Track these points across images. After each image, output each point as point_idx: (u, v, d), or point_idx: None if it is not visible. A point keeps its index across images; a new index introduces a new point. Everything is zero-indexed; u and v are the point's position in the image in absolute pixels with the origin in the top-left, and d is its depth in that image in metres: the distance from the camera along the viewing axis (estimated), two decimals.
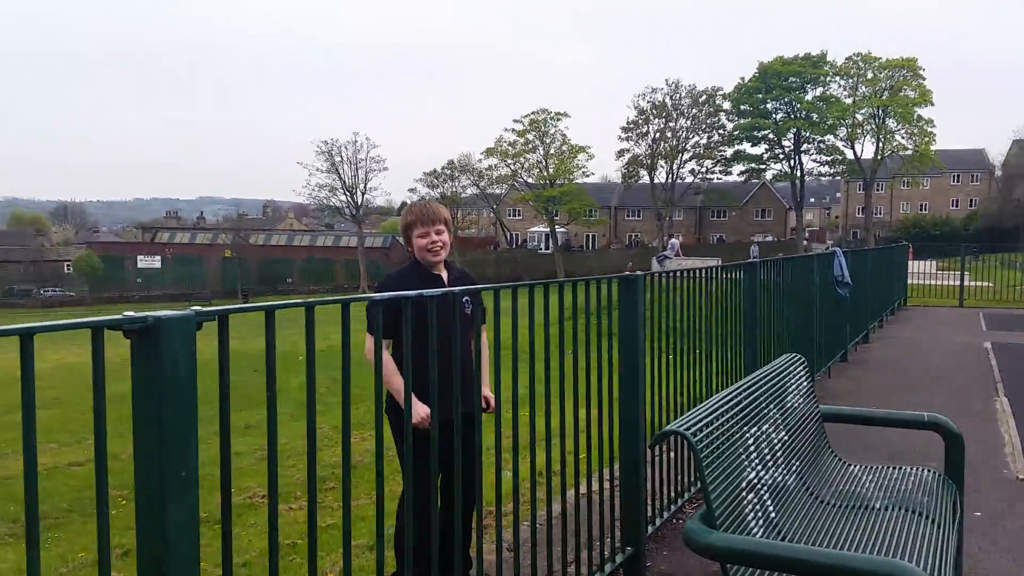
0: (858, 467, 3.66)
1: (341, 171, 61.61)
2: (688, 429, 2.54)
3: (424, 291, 2.30)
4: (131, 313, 1.52)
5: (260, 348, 1.87)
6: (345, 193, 62.13)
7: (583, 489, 3.49)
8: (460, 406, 2.48)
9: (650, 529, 3.72)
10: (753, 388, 3.22)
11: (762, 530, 2.68)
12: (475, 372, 2.81)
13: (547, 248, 67.75)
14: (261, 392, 1.89)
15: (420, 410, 2.83)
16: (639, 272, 3.60)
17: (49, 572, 5.73)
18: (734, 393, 3.06)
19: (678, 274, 4.24)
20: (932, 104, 54.99)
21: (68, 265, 69.33)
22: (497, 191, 69.27)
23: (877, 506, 3.15)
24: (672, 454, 4.17)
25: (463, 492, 2.63)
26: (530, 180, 63.72)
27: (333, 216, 69.99)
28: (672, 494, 4.12)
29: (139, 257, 65.87)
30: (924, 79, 55.36)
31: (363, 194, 62.76)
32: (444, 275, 3.36)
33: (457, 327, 2.48)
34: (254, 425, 9.55)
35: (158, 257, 65.73)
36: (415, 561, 2.26)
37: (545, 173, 61.87)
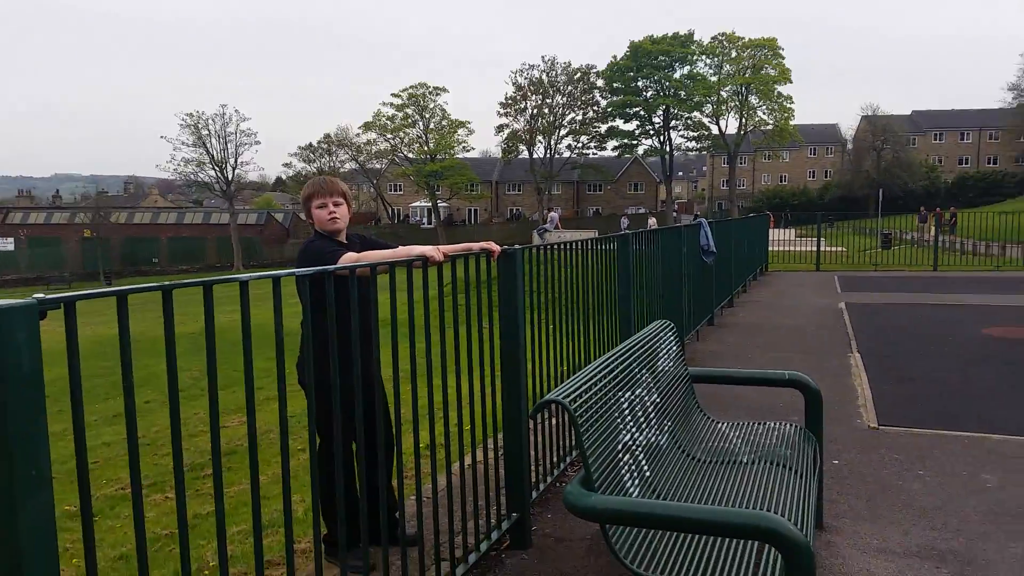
0: (726, 424, 3.86)
1: (209, 145, 58.73)
2: (566, 397, 2.59)
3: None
4: None
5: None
6: (214, 168, 59.32)
7: (468, 460, 3.51)
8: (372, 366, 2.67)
9: (534, 495, 3.80)
10: (627, 355, 3.32)
11: (638, 489, 2.78)
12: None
13: (429, 223, 67.32)
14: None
15: (431, 252, 2.96)
16: (517, 246, 3.62)
17: None
18: (609, 360, 3.15)
19: (557, 246, 4.30)
20: (791, 82, 58.50)
21: None
22: (377, 166, 68.09)
23: (744, 460, 3.34)
24: (554, 420, 4.26)
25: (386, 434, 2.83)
26: (410, 155, 63.02)
27: (201, 192, 66.67)
28: (555, 459, 4.22)
29: None
30: (783, 58, 58.67)
31: (234, 169, 60.11)
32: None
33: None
34: (123, 413, 9.04)
35: (11, 239, 60.59)
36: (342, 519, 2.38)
37: (426, 148, 61.37)
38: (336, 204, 3.40)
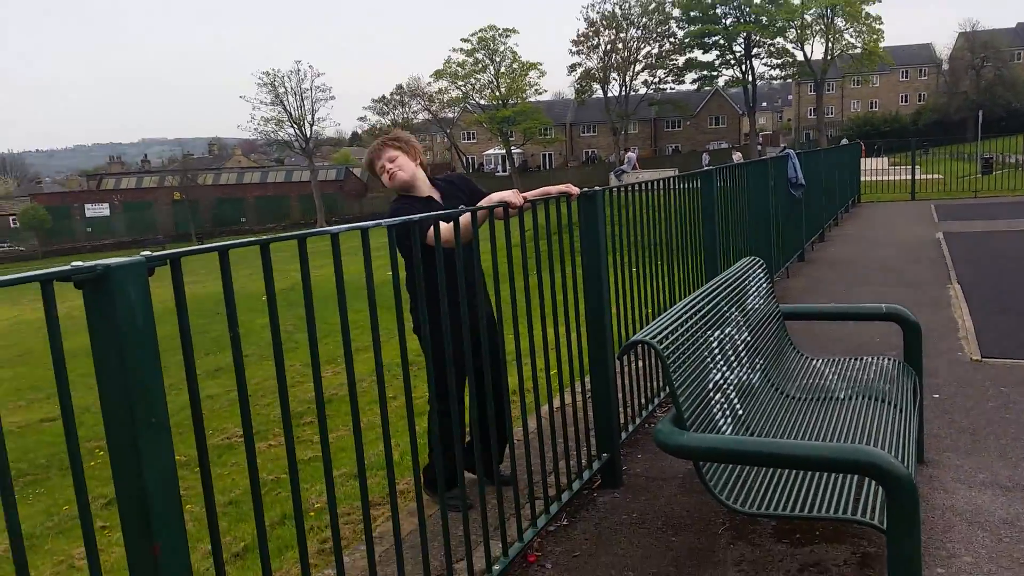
0: (820, 361, 3.77)
1: (286, 103, 59.95)
2: (654, 337, 2.57)
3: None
4: (80, 263, 1.47)
5: (221, 290, 1.83)
6: (292, 125, 60.63)
7: (557, 404, 3.55)
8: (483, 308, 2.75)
9: (623, 435, 3.82)
10: (715, 293, 3.27)
11: (731, 427, 2.76)
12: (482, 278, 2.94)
13: (504, 170, 67.17)
14: (228, 335, 1.86)
15: (511, 197, 2.99)
16: (597, 188, 3.58)
17: (36, 526, 5.75)
18: (696, 299, 3.10)
19: (637, 187, 4.23)
20: (879, 1, 55.00)
21: (13, 219, 66.97)
22: (449, 115, 68.11)
23: (841, 396, 3.26)
24: (640, 363, 4.25)
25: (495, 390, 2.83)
26: (482, 101, 62.69)
27: (282, 150, 68.39)
28: (643, 400, 4.23)
29: (87, 206, 63.73)
30: None
31: (311, 125, 61.29)
32: (435, 194, 3.43)
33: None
34: (224, 368, 9.52)
35: (106, 205, 63.68)
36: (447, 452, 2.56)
37: (497, 93, 60.89)
38: (391, 160, 3.35)
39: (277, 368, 1.98)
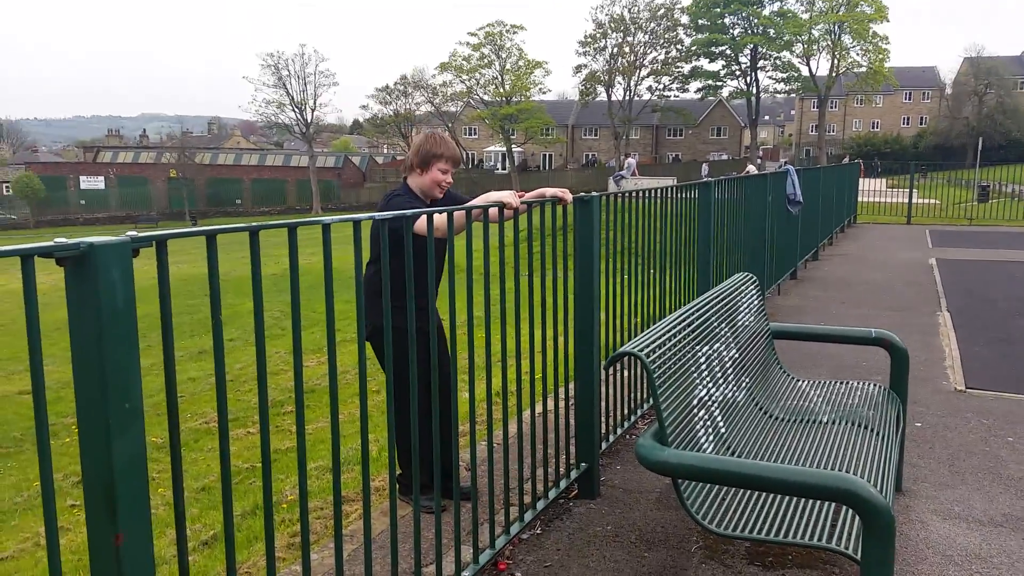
0: (806, 382, 3.76)
1: (288, 86, 59.66)
2: (642, 350, 2.55)
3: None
4: (63, 239, 1.44)
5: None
6: (294, 109, 60.34)
7: (539, 409, 3.52)
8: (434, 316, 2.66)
9: (604, 446, 3.80)
10: (706, 308, 3.25)
11: (712, 446, 2.74)
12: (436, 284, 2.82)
13: (504, 168, 67.07)
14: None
15: (509, 198, 2.96)
16: (594, 193, 3.56)
17: (4, 502, 5.67)
18: (687, 313, 3.09)
19: (634, 195, 4.21)
20: (887, 20, 55.22)
21: (6, 187, 66.43)
22: (452, 109, 67.93)
23: (824, 420, 3.25)
24: (626, 373, 4.23)
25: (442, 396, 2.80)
26: (486, 97, 62.57)
27: (282, 134, 68.14)
28: (625, 411, 4.20)
29: (82, 178, 63.22)
30: None
31: (313, 111, 61.00)
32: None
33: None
34: (207, 350, 9.44)
35: (101, 178, 63.19)
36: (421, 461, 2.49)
37: (501, 90, 60.79)
38: (449, 174, 3.42)
39: (258, 355, 1.95)
